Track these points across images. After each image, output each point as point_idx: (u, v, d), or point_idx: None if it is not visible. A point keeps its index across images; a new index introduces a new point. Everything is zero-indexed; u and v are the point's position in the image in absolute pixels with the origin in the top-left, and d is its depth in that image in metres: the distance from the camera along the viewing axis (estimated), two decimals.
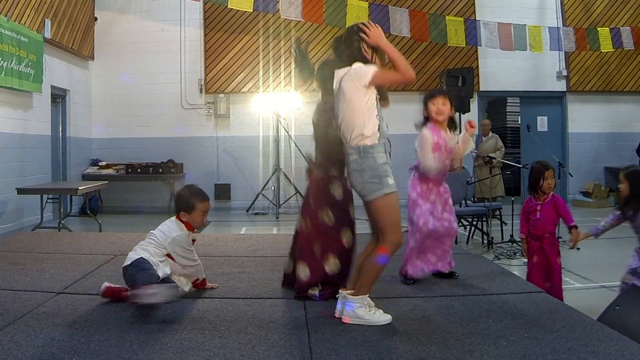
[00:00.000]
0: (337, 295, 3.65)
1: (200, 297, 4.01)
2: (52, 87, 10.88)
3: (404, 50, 12.68)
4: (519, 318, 3.55)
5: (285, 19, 11.28)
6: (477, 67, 12.95)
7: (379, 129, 3.47)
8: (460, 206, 8.84)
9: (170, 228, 3.98)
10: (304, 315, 3.63)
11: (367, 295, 3.49)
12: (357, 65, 3.51)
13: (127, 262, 3.83)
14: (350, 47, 3.61)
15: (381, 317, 3.47)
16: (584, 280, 6.19)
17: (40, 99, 10.34)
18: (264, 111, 12.63)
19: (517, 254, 7.39)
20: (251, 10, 10.90)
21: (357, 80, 3.45)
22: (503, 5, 13.13)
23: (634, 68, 13.42)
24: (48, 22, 10.28)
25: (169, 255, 3.93)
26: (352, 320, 3.45)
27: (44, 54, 10.16)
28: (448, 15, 12.04)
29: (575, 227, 4.74)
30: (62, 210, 9.22)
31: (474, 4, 13.04)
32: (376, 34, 3.54)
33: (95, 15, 12.58)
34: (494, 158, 10.41)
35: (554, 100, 13.69)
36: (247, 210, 12.31)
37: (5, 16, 8.78)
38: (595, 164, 13.49)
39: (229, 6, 10.68)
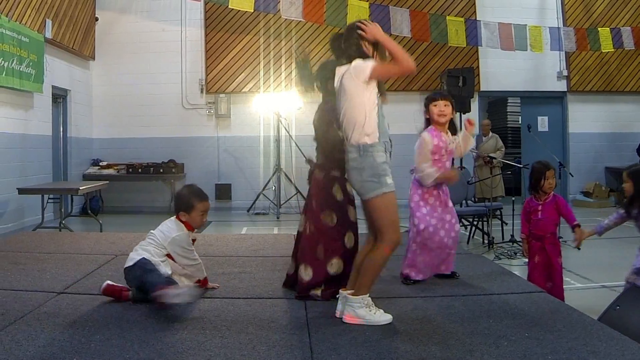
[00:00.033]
0: (337, 296, 3.66)
1: (201, 297, 4.01)
2: (53, 87, 10.88)
3: (405, 50, 12.65)
4: (519, 318, 3.56)
5: (286, 19, 11.28)
6: (478, 67, 12.94)
7: (380, 128, 3.48)
8: (461, 206, 8.84)
9: (170, 228, 3.99)
10: (304, 315, 3.64)
11: (367, 295, 3.49)
12: (357, 62, 3.51)
13: (130, 262, 3.84)
14: (349, 44, 3.62)
15: (382, 317, 3.47)
16: (584, 280, 6.19)
17: (41, 99, 10.35)
18: (264, 111, 12.62)
19: (518, 254, 7.39)
20: (252, 11, 10.89)
21: (357, 76, 3.46)
22: (503, 6, 13.12)
23: (634, 68, 13.41)
24: (49, 22, 10.28)
25: (169, 256, 3.94)
26: (353, 320, 3.45)
27: (45, 54, 10.16)
28: (449, 15, 12.03)
29: (579, 225, 4.74)
30: (63, 210, 9.22)
31: (474, 4, 13.03)
32: (373, 29, 3.54)
33: (96, 16, 12.58)
34: (495, 158, 10.42)
35: (554, 100, 13.68)
36: (248, 210, 12.31)
37: (6, 16, 8.78)
38: (596, 164, 13.48)
39: (229, 6, 10.68)
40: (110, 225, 9.97)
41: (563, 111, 13.67)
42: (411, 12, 11.61)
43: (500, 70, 13.21)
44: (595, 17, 13.23)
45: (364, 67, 3.46)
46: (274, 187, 12.27)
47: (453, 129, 4.72)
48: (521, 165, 8.49)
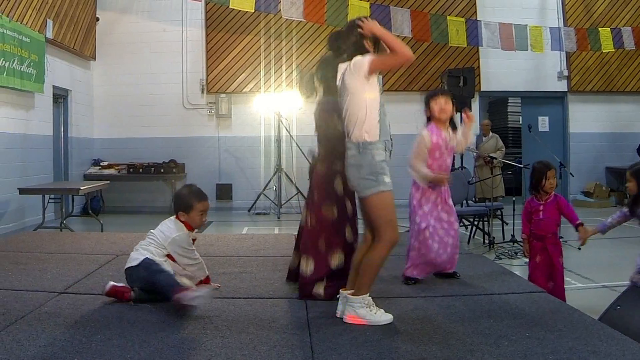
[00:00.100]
0: (337, 296, 3.66)
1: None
2: (54, 87, 10.88)
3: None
4: (520, 318, 3.56)
5: (287, 19, 11.28)
6: (479, 67, 12.94)
7: (381, 126, 3.48)
8: (462, 206, 8.84)
9: (170, 228, 3.98)
10: (305, 315, 3.64)
11: (368, 294, 3.50)
12: (356, 58, 3.52)
13: (133, 263, 3.83)
14: (348, 41, 3.63)
15: (382, 317, 3.47)
16: (585, 280, 6.19)
17: (42, 99, 10.35)
18: (265, 111, 12.62)
19: (519, 254, 7.39)
20: (253, 11, 10.90)
21: (356, 72, 3.47)
22: (504, 6, 13.12)
23: (634, 68, 13.40)
24: (50, 22, 10.29)
25: (169, 256, 3.94)
26: (354, 320, 3.46)
27: (46, 54, 10.17)
28: (449, 15, 12.03)
29: (582, 224, 4.74)
30: (63, 210, 9.23)
31: (475, 4, 13.03)
32: (370, 24, 3.54)
33: (97, 16, 12.58)
34: (495, 158, 10.42)
35: (555, 101, 13.68)
36: (249, 210, 12.31)
37: (7, 16, 8.78)
38: (597, 164, 13.48)
39: (230, 6, 10.68)
40: (111, 225, 9.98)
41: (563, 111, 13.67)
42: (412, 12, 11.61)
43: (501, 70, 13.21)
44: (596, 17, 13.23)
45: (362, 62, 3.47)
46: (274, 187, 12.27)
47: (453, 126, 4.72)
48: (522, 165, 8.49)
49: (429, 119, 4.68)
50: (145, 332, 3.26)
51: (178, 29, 12.84)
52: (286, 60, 12.70)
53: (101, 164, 12.57)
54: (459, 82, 10.94)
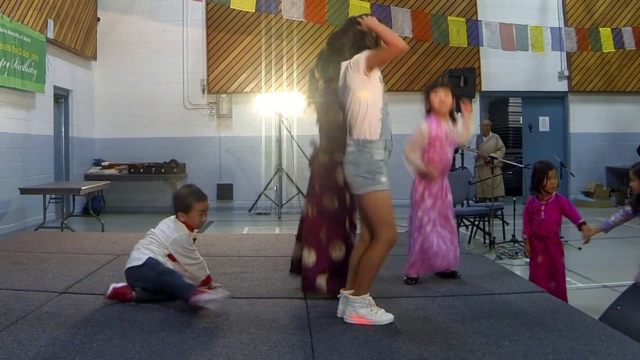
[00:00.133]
0: (338, 296, 3.66)
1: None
2: (55, 87, 10.89)
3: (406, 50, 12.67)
4: (521, 318, 3.56)
5: (288, 19, 11.29)
6: (479, 67, 12.94)
7: (383, 126, 3.48)
8: (462, 206, 8.84)
9: (171, 228, 3.98)
10: (306, 315, 3.64)
11: (368, 294, 3.50)
12: (355, 56, 3.52)
13: (136, 262, 3.82)
14: (346, 37, 3.64)
15: (383, 317, 3.47)
16: (585, 280, 6.19)
17: (43, 99, 10.36)
18: (266, 111, 12.64)
19: (519, 254, 7.39)
20: (253, 11, 10.91)
21: (355, 70, 3.47)
22: (505, 6, 13.12)
23: (635, 68, 13.40)
24: (51, 23, 10.30)
25: (170, 256, 3.94)
26: (354, 319, 3.46)
27: (47, 54, 10.17)
28: (450, 15, 12.03)
29: (585, 223, 4.74)
30: (64, 210, 9.24)
31: (475, 4, 13.04)
32: (367, 19, 3.53)
33: (97, 16, 12.59)
34: (496, 158, 10.42)
35: (555, 101, 13.68)
36: (250, 210, 12.31)
37: (8, 16, 8.79)
38: (597, 164, 13.48)
39: (231, 7, 10.69)
40: (112, 225, 9.99)
41: (564, 111, 13.67)
42: (412, 13, 11.61)
43: (502, 71, 13.22)
44: (597, 17, 13.23)
45: (359, 58, 3.47)
46: (275, 187, 12.27)
47: (453, 119, 4.72)
48: (522, 166, 8.49)
49: (429, 111, 4.68)
50: (146, 332, 3.26)
51: (179, 29, 12.85)
52: (287, 61, 12.71)
53: (102, 164, 12.58)
54: (459, 82, 10.94)
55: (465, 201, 8.96)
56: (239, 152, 12.95)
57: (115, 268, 4.87)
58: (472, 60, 12.92)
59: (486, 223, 8.38)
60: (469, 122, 4.74)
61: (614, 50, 12.55)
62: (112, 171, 12.38)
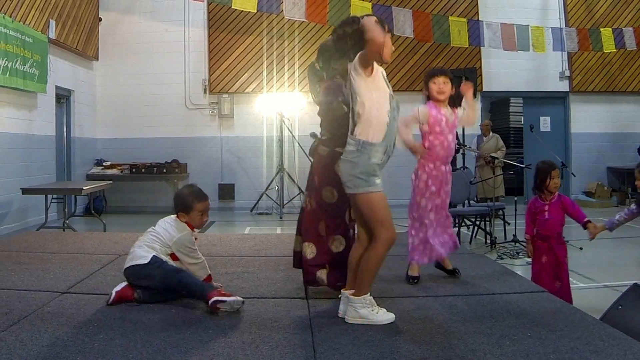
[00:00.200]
0: (339, 296, 3.66)
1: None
2: (57, 87, 10.90)
3: (407, 51, 12.72)
4: (522, 317, 3.56)
5: (289, 19, 11.30)
6: (480, 67, 12.94)
7: (387, 129, 3.46)
8: (464, 206, 8.84)
9: (174, 228, 3.97)
10: (307, 315, 3.65)
11: (368, 294, 3.50)
12: (354, 60, 3.52)
13: (140, 260, 3.79)
14: (345, 41, 3.62)
15: (384, 316, 3.47)
16: (587, 280, 6.19)
17: (44, 100, 10.37)
18: (267, 111, 12.65)
19: (520, 254, 7.39)
20: (255, 11, 10.93)
21: (354, 71, 3.46)
22: (506, 6, 13.12)
23: (636, 68, 13.40)
24: (52, 23, 10.31)
25: (172, 255, 3.94)
26: (355, 319, 3.46)
27: (49, 55, 10.19)
28: (451, 15, 12.05)
29: (590, 221, 4.74)
30: (66, 210, 9.26)
31: (477, 4, 13.04)
32: (364, 20, 3.46)
33: (99, 16, 12.60)
34: (497, 158, 10.42)
35: (556, 101, 13.69)
36: (251, 210, 12.32)
37: (10, 17, 8.80)
38: (598, 164, 13.48)
39: (233, 7, 10.72)
40: (114, 225, 10.00)
41: (565, 111, 13.68)
42: (414, 13, 11.62)
43: (503, 71, 13.22)
44: (598, 18, 13.23)
45: (356, 59, 3.46)
46: (276, 187, 12.28)
47: (458, 102, 4.71)
48: (524, 166, 8.49)
49: (428, 98, 4.67)
50: (147, 332, 3.26)
51: (180, 29, 12.87)
52: (288, 61, 12.72)
53: (104, 164, 12.59)
54: (460, 83, 10.91)
55: (466, 201, 8.96)
56: (241, 152, 12.97)
57: (117, 268, 4.86)
58: (473, 60, 12.93)
59: (487, 223, 8.38)
60: (472, 104, 4.71)
61: (615, 50, 12.56)
62: (114, 171, 12.40)
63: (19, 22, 9.11)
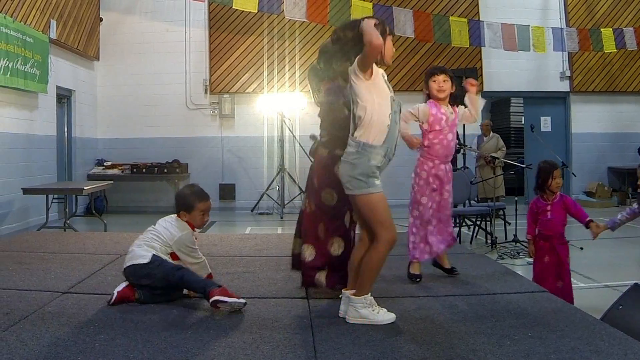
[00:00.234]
0: (340, 296, 3.67)
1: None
2: (58, 87, 10.92)
3: (408, 51, 12.72)
4: (522, 317, 3.56)
5: (290, 19, 11.30)
6: (481, 67, 12.95)
7: (388, 132, 3.46)
8: (464, 206, 8.84)
9: (175, 227, 3.97)
10: (308, 315, 3.65)
11: (369, 294, 3.50)
12: (354, 63, 3.52)
13: (141, 260, 3.79)
14: (351, 32, 3.61)
15: (385, 316, 3.47)
16: (587, 280, 6.19)
17: (45, 100, 10.38)
18: (268, 111, 12.66)
19: (521, 254, 7.39)
20: (256, 11, 10.94)
21: (354, 74, 3.46)
22: (506, 6, 13.13)
23: (637, 68, 13.41)
24: (53, 23, 10.32)
25: (172, 255, 3.94)
26: (356, 320, 3.47)
27: (50, 55, 10.20)
28: (452, 15, 12.05)
29: (592, 220, 4.75)
30: (67, 210, 9.25)
31: (477, 4, 13.05)
32: (363, 23, 3.48)
33: (100, 16, 12.62)
34: (497, 158, 10.42)
35: (557, 101, 13.69)
36: (252, 210, 12.32)
37: (11, 17, 8.81)
38: (599, 164, 13.48)
39: (233, 7, 10.73)
40: (115, 225, 10.01)
41: (566, 111, 13.68)
42: (414, 13, 11.63)
43: (503, 71, 13.23)
44: (598, 18, 13.24)
45: (354, 64, 3.46)
46: (277, 187, 12.29)
47: (459, 101, 4.71)
48: (524, 166, 8.50)
49: (428, 96, 4.67)
50: (148, 331, 3.26)
51: (181, 29, 12.88)
52: (289, 61, 12.73)
53: (105, 164, 12.60)
54: (461, 83, 10.91)
55: (467, 201, 8.97)
56: (242, 152, 12.98)
57: (118, 268, 4.85)
58: (474, 60, 12.93)
59: (488, 223, 8.38)
60: (475, 99, 4.70)
61: (615, 50, 12.57)
62: (115, 171, 12.41)
63: (20, 22, 9.12)
